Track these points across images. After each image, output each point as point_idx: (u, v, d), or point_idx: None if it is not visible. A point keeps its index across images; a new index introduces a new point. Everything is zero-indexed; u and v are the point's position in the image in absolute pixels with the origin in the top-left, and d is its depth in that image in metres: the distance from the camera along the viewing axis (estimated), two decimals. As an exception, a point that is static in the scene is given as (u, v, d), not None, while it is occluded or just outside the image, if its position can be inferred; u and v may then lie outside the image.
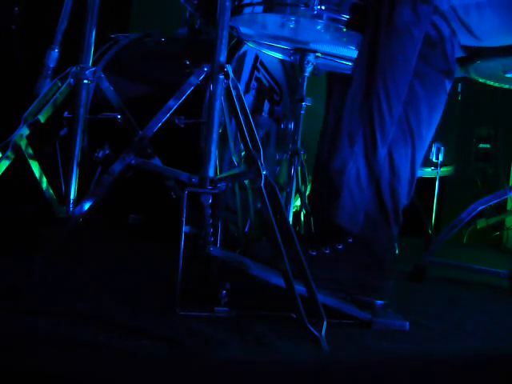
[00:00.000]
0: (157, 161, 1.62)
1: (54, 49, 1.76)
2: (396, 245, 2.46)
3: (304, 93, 2.22)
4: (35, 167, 1.58)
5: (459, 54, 1.75)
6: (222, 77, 1.47)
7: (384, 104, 1.61)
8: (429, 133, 1.70)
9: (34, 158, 1.58)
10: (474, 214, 2.22)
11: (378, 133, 1.61)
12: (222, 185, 1.46)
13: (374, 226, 1.63)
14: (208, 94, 2.10)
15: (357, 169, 1.62)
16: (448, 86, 1.71)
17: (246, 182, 1.97)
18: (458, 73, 1.93)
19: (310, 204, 2.28)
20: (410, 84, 1.63)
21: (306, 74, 2.17)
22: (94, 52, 1.63)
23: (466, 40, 1.71)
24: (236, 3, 1.89)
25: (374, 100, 1.61)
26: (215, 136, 1.46)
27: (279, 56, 2.23)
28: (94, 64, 1.63)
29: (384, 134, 1.61)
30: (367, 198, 1.63)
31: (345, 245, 1.62)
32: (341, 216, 1.62)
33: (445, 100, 1.71)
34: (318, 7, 1.78)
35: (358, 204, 1.62)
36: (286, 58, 2.23)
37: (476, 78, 2.02)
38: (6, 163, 1.52)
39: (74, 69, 1.59)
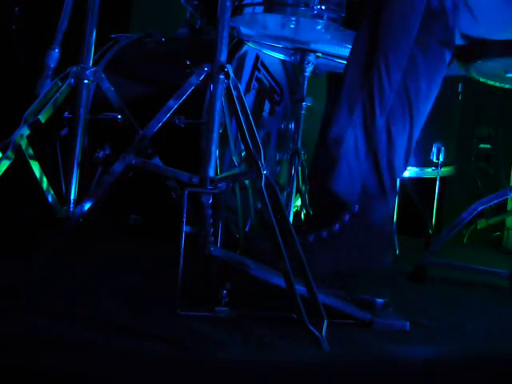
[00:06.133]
0: (157, 161, 1.62)
1: (54, 49, 1.75)
2: (396, 245, 2.47)
3: (304, 93, 2.22)
4: (35, 167, 1.58)
5: (459, 41, 1.74)
6: (222, 77, 1.47)
7: (384, 73, 1.60)
8: (426, 106, 1.69)
9: (34, 158, 1.57)
10: (474, 214, 2.22)
11: (377, 101, 1.61)
12: (222, 185, 1.46)
13: (370, 195, 1.63)
14: (208, 94, 2.10)
15: (355, 137, 1.62)
16: (448, 57, 1.70)
17: (247, 182, 1.97)
18: (459, 71, 1.93)
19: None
20: (411, 54, 1.62)
21: (307, 74, 2.17)
22: (95, 52, 1.63)
23: (466, 26, 1.69)
24: (236, 3, 1.89)
25: (375, 69, 1.61)
26: (215, 136, 1.46)
27: (280, 56, 2.23)
28: (94, 64, 1.63)
29: (383, 103, 1.61)
30: (364, 167, 1.63)
31: (341, 225, 1.61)
32: (338, 184, 1.62)
33: (443, 74, 1.71)
34: (318, 7, 1.78)
35: (354, 173, 1.62)
36: (287, 58, 2.23)
37: (477, 77, 2.02)
38: (6, 163, 1.52)
39: (74, 69, 1.59)
